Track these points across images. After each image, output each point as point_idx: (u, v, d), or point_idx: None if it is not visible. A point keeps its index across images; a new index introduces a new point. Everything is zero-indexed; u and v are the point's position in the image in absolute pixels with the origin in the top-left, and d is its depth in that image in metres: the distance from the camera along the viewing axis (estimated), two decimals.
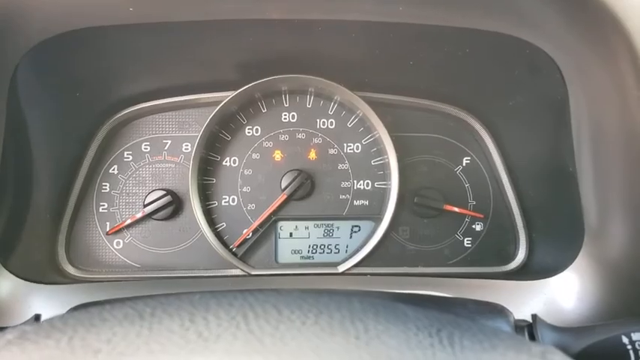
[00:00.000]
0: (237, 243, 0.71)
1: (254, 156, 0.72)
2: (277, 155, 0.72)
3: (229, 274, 0.70)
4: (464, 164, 0.73)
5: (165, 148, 0.72)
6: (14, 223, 0.59)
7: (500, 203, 0.72)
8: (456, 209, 0.71)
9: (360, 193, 0.73)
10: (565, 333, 0.43)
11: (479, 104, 0.70)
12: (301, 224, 0.72)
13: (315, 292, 0.28)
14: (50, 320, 0.28)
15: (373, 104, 0.70)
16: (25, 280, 0.59)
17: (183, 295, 0.29)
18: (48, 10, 0.48)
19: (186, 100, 0.71)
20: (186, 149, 0.71)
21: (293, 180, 0.71)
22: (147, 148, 0.71)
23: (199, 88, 0.70)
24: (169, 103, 0.71)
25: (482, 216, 0.72)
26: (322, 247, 0.73)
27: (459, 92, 0.70)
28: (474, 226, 0.73)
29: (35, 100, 0.57)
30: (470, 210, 0.72)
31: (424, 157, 0.73)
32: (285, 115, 0.73)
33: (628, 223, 0.51)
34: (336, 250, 0.72)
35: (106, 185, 0.70)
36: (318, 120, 0.73)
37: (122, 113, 0.71)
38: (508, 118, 0.67)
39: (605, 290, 0.56)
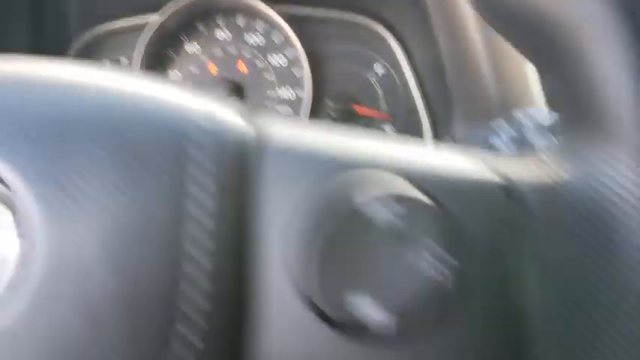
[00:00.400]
0: None
1: (193, 70, 0.82)
2: (213, 69, 0.82)
3: None
4: (376, 72, 0.80)
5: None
6: None
7: (411, 106, 0.78)
8: (366, 111, 0.78)
9: (282, 101, 0.81)
10: None
11: (387, 14, 0.76)
12: None
13: None
14: None
15: (292, 19, 0.78)
16: None
17: None
18: None
19: (132, 22, 0.82)
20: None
21: (226, 89, 0.81)
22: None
23: (141, 9, 0.80)
24: (121, 26, 0.82)
25: (390, 118, 0.79)
26: None
27: (370, 3, 0.76)
28: (384, 128, 0.80)
29: None
30: (381, 112, 0.79)
31: (338, 67, 0.80)
32: (219, 32, 0.82)
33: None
34: None
35: None
36: (245, 34, 0.82)
37: (86, 33, 0.83)
38: (414, 25, 0.73)
39: None
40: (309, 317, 0.19)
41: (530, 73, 0.49)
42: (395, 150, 0.21)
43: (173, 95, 0.22)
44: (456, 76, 0.61)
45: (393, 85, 0.78)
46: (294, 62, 0.81)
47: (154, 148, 0.19)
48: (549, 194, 0.19)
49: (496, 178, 0.20)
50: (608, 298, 0.18)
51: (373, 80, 0.78)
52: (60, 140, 0.19)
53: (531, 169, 0.21)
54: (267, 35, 0.81)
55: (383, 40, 0.78)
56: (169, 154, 0.19)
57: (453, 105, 0.63)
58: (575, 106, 0.20)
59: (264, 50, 0.82)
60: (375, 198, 0.19)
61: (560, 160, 0.20)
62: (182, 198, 0.19)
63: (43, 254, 0.18)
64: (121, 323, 0.18)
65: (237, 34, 0.82)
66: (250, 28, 0.82)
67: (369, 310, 0.18)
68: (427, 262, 0.18)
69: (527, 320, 0.19)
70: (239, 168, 0.20)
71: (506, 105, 0.54)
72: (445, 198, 0.19)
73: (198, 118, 0.21)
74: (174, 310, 0.18)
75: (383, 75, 0.78)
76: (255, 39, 0.82)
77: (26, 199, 0.18)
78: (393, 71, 0.78)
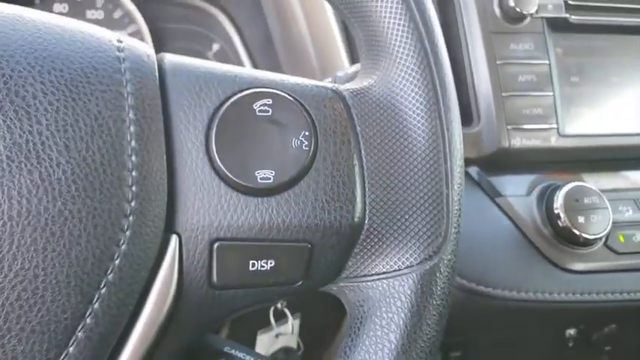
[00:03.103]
0: None
1: None
2: None
3: None
4: (213, 50, 0.90)
5: None
6: None
7: None
8: None
9: None
10: None
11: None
12: None
13: None
14: None
15: None
16: None
17: None
18: None
19: None
20: None
21: None
22: None
23: None
24: None
25: None
26: None
27: None
28: None
29: None
30: None
31: (179, 45, 0.88)
32: (57, 5, 0.85)
33: None
34: None
35: None
36: (87, 11, 0.86)
37: None
38: (245, 7, 0.85)
39: None
40: (220, 185, 0.29)
41: (341, 46, 0.63)
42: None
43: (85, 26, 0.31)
44: (283, 50, 0.74)
45: (227, 60, 0.89)
46: (136, 38, 0.86)
47: (90, 70, 0.28)
48: (363, 95, 0.33)
49: (328, 85, 0.33)
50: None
51: (210, 56, 0.88)
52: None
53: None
54: (107, 10, 0.86)
55: (218, 21, 0.88)
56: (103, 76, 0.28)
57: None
58: (368, 41, 0.33)
59: (104, 25, 0.85)
60: (254, 94, 0.30)
61: (366, 75, 0.33)
62: (119, 107, 0.28)
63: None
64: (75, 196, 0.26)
65: (76, 8, 0.86)
66: (90, 3, 0.87)
67: (259, 172, 0.29)
68: (293, 138, 0.30)
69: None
70: (156, 83, 0.29)
71: (324, 72, 0.68)
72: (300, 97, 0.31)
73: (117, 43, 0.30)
74: (120, 187, 0.27)
75: (217, 51, 0.89)
76: (94, 13, 0.86)
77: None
78: (226, 48, 0.89)
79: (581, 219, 0.56)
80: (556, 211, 0.56)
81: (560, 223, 0.56)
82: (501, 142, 0.59)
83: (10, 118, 0.24)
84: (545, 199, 0.58)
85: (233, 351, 0.36)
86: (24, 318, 0.24)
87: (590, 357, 0.71)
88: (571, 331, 0.69)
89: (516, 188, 0.60)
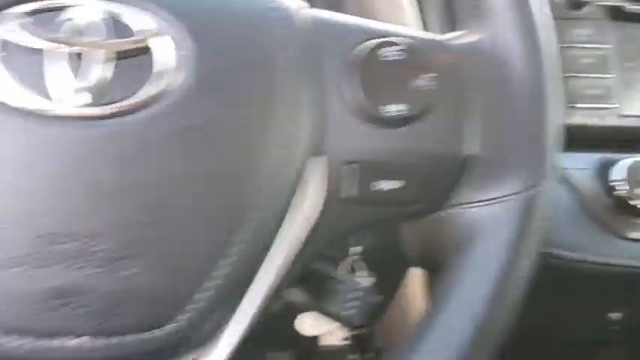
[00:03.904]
0: None
1: None
2: None
3: None
4: None
5: None
6: None
7: None
8: None
9: None
10: None
11: None
12: None
13: None
14: None
15: None
16: None
17: None
18: None
19: None
20: None
21: None
22: None
23: None
24: None
25: None
26: None
27: None
28: None
29: None
30: None
31: None
32: None
33: None
34: None
35: None
36: None
37: None
38: None
39: None
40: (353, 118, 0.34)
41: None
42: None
43: None
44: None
45: None
46: None
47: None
48: (473, 47, 0.37)
49: (442, 37, 0.38)
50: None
51: None
52: None
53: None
54: None
55: None
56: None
57: None
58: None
59: None
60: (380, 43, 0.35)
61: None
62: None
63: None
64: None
65: None
66: None
67: (387, 107, 0.34)
68: (417, 79, 0.35)
69: None
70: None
71: None
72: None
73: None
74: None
75: None
76: None
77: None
78: None
79: (638, 191, 0.60)
80: (615, 183, 0.60)
81: (619, 194, 0.60)
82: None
83: None
84: (605, 171, 0.62)
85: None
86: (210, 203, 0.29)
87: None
88: (614, 315, 0.73)
89: (576, 162, 0.64)
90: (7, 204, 0.25)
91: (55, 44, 0.26)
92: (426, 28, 0.67)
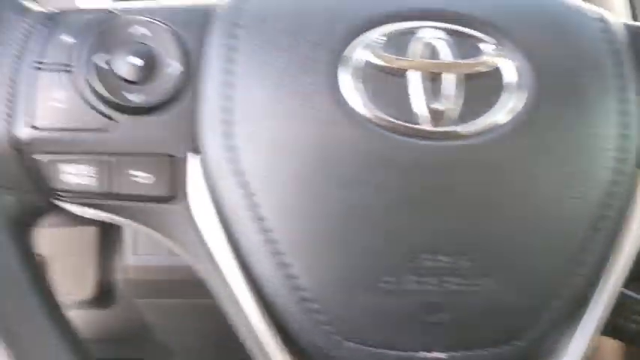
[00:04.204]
0: None
1: None
2: None
3: None
4: None
5: None
6: None
7: None
8: None
9: None
10: None
11: None
12: None
13: None
14: None
15: None
16: None
17: None
18: None
19: None
20: None
21: None
22: None
23: None
24: None
25: None
26: None
27: None
28: None
29: None
30: None
31: None
32: None
33: None
34: None
35: None
36: None
37: None
38: None
39: None
40: None
41: None
42: None
43: None
44: None
45: None
46: None
47: None
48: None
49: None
50: None
51: None
52: None
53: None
54: None
55: None
56: None
57: None
58: None
59: None
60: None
61: None
62: None
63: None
64: None
65: None
66: None
67: None
68: None
69: None
70: None
71: None
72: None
73: None
74: None
75: None
76: None
77: None
78: None
79: None
80: None
81: None
82: None
83: None
84: None
85: None
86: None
87: None
88: None
89: None
90: (379, 223, 0.26)
91: (415, 64, 0.27)
92: None
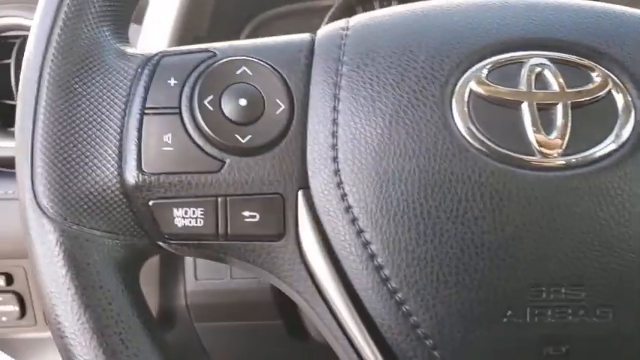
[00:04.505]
0: None
1: None
2: None
3: None
4: None
5: None
6: None
7: None
8: None
9: None
10: None
11: None
12: None
13: None
14: None
15: None
16: None
17: None
18: None
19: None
20: None
21: None
22: None
23: None
24: None
25: None
26: None
27: None
28: None
29: None
30: None
31: None
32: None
33: None
34: None
35: None
36: None
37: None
38: None
39: None
40: None
41: None
42: None
43: None
44: None
45: None
46: None
47: None
48: None
49: None
50: None
51: None
52: None
53: None
54: None
55: None
56: None
57: None
58: None
59: None
60: None
61: None
62: None
63: None
64: None
65: None
66: None
67: None
68: None
69: None
70: None
71: None
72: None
73: None
74: None
75: None
76: None
77: None
78: None
79: None
80: None
81: None
82: None
83: None
84: None
85: None
86: None
87: None
88: None
89: None
90: (497, 257, 0.26)
91: (529, 95, 0.27)
92: None
